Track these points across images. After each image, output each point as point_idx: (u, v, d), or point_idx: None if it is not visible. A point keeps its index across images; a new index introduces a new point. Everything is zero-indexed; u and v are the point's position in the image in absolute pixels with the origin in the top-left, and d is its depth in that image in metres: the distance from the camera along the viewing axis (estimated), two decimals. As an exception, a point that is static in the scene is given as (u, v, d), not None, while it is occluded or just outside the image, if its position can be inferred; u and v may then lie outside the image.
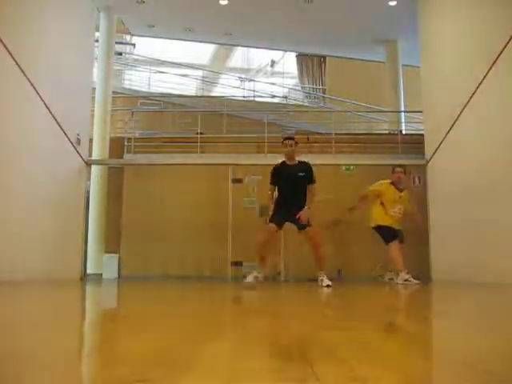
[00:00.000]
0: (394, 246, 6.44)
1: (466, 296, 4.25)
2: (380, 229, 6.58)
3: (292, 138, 6.01)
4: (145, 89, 13.08)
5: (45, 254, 6.59)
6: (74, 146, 7.58)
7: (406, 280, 6.18)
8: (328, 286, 5.39)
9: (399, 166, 6.81)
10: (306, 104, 14.33)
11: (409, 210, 6.67)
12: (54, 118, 6.83)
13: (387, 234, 6.49)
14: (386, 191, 6.62)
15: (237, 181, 8.41)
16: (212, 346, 1.47)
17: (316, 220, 6.25)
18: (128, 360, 1.25)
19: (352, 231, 8.15)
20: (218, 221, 8.28)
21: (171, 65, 15.12)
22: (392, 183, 6.66)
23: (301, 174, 5.83)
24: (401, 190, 6.65)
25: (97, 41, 9.75)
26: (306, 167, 5.92)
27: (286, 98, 14.58)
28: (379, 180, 7.07)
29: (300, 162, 5.97)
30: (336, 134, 9.27)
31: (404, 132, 11.17)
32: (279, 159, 8.60)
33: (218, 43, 14.69)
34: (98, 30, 9.70)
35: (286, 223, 5.82)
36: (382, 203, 6.62)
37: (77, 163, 7.85)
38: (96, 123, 9.35)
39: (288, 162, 5.94)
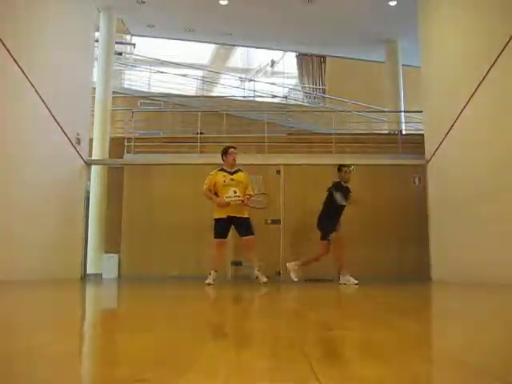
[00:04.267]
0: (215, 244, 6.24)
1: (466, 296, 4.25)
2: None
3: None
4: (145, 89, 13.08)
5: (45, 254, 6.59)
6: (74, 146, 7.58)
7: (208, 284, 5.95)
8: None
9: (233, 146, 6.50)
10: (306, 104, 14.33)
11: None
12: (54, 118, 6.83)
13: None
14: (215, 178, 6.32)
15: (237, 181, 8.40)
16: (212, 346, 1.47)
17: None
18: (128, 360, 1.25)
19: (352, 231, 8.14)
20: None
21: (171, 65, 15.12)
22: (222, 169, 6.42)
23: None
24: (232, 173, 6.33)
25: (97, 41, 9.75)
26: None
27: (286, 98, 14.58)
28: (379, 180, 7.12)
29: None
30: (336, 133, 9.27)
31: (404, 132, 11.17)
32: (279, 159, 8.61)
33: (218, 43, 14.70)
34: (98, 29, 9.70)
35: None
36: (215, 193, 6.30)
37: (77, 163, 7.85)
38: (96, 123, 9.36)
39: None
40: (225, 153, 6.43)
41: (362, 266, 8.00)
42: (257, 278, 6.23)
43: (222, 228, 6.21)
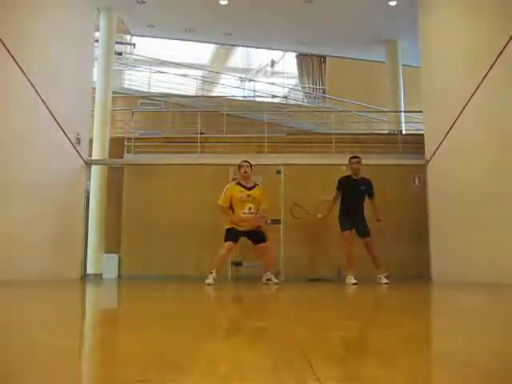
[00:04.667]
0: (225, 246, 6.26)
1: (465, 296, 4.25)
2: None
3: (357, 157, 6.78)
4: (145, 89, 13.08)
5: (45, 254, 6.59)
6: (74, 146, 7.58)
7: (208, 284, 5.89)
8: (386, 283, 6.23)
9: (245, 160, 6.57)
10: (306, 104, 14.33)
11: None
12: (54, 118, 6.83)
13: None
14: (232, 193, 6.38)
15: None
16: (212, 346, 1.47)
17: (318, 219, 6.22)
18: (128, 360, 1.24)
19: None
20: (218, 221, 8.28)
21: (171, 65, 15.12)
22: (238, 183, 6.49)
23: (362, 187, 6.68)
24: (249, 188, 6.43)
25: (97, 41, 9.75)
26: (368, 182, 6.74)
27: (286, 98, 14.58)
28: (379, 180, 7.11)
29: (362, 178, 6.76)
30: (336, 133, 9.27)
31: (404, 132, 11.17)
32: (279, 159, 8.59)
33: (218, 43, 14.69)
34: (98, 30, 9.70)
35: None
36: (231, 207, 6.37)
37: (77, 163, 7.85)
38: (96, 123, 9.36)
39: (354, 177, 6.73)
40: (238, 167, 6.59)
41: (361, 266, 8.00)
42: (269, 280, 6.31)
43: (233, 235, 6.30)
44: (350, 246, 6.51)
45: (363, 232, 6.51)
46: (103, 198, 9.08)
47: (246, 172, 6.47)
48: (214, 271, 6.06)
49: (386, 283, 6.25)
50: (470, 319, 2.36)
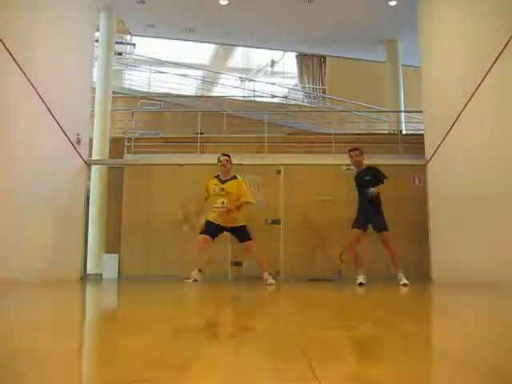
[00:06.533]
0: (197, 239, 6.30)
1: (465, 296, 4.25)
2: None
3: (357, 149, 6.42)
4: (145, 89, 13.08)
5: (45, 254, 6.59)
6: (74, 146, 7.57)
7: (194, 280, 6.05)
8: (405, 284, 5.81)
9: (225, 154, 6.53)
10: (306, 104, 14.33)
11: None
12: (54, 118, 6.83)
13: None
14: (209, 186, 6.44)
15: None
16: (211, 346, 1.47)
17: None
18: (127, 360, 1.24)
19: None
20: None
21: (171, 65, 15.13)
22: (216, 176, 6.48)
23: (366, 178, 6.24)
24: (224, 181, 6.37)
25: (97, 41, 9.75)
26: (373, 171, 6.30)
27: (286, 98, 14.58)
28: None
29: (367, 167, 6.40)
30: (336, 133, 9.27)
31: (404, 132, 11.17)
32: (279, 159, 8.57)
33: (218, 43, 14.69)
34: (98, 30, 9.70)
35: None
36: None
37: (77, 163, 7.85)
38: (96, 123, 9.35)
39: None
40: (218, 161, 6.48)
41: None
42: (266, 280, 6.17)
43: (210, 228, 6.23)
44: (355, 244, 6.18)
45: (378, 227, 6.11)
46: (103, 197, 9.08)
47: (225, 166, 6.40)
48: (196, 270, 6.11)
49: (404, 284, 5.84)
50: (469, 319, 2.36)
